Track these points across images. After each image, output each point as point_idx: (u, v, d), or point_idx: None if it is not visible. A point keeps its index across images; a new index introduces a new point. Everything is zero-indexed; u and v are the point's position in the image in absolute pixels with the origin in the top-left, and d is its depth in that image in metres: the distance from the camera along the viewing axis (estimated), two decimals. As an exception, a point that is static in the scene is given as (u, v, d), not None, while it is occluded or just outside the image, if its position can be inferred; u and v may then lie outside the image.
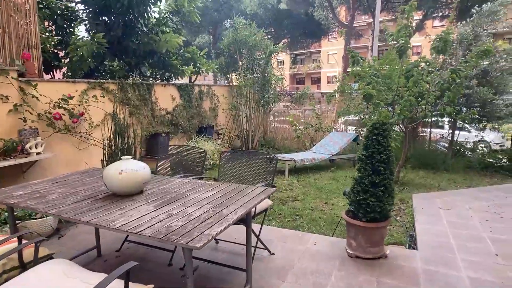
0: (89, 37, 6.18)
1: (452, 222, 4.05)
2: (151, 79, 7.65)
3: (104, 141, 4.91)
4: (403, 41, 5.26)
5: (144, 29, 6.24)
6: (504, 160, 7.23)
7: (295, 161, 6.69)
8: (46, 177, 3.69)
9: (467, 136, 8.28)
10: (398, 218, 4.41)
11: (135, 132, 6.06)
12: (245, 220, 2.46)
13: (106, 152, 4.77)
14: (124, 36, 6.13)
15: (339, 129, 10.20)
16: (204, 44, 24.05)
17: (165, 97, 7.34)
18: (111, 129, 4.95)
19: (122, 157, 2.42)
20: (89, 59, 5.43)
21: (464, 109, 6.47)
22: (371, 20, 25.28)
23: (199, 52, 8.54)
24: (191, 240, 1.68)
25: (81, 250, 3.21)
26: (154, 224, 1.89)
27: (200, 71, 8.55)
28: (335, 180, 6.40)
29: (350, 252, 3.27)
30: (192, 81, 10.30)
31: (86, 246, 3.34)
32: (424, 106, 5.56)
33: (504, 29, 11.87)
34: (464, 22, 6.67)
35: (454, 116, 5.44)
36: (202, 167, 3.58)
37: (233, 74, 9.46)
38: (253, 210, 2.59)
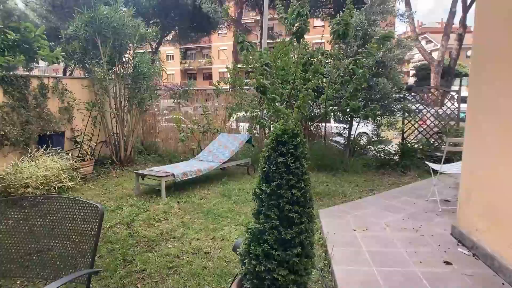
0: None
1: (375, 254, 3.17)
2: None
3: None
4: (301, 22, 4.25)
5: None
6: (396, 157, 7.10)
7: (175, 176, 5.06)
8: None
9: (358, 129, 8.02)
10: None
11: None
12: None
13: None
14: None
15: (231, 129, 8.96)
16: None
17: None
18: None
19: None
20: None
21: (362, 103, 5.93)
22: (258, 17, 25.15)
23: (34, 31, 6.02)
24: None
25: None
26: None
27: (38, 59, 6.04)
28: (226, 197, 5.05)
29: None
30: (68, 74, 7.49)
31: None
32: (324, 102, 4.69)
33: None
34: (358, 10, 6.14)
35: (359, 112, 4.71)
36: None
37: (92, 63, 7.14)
38: None
